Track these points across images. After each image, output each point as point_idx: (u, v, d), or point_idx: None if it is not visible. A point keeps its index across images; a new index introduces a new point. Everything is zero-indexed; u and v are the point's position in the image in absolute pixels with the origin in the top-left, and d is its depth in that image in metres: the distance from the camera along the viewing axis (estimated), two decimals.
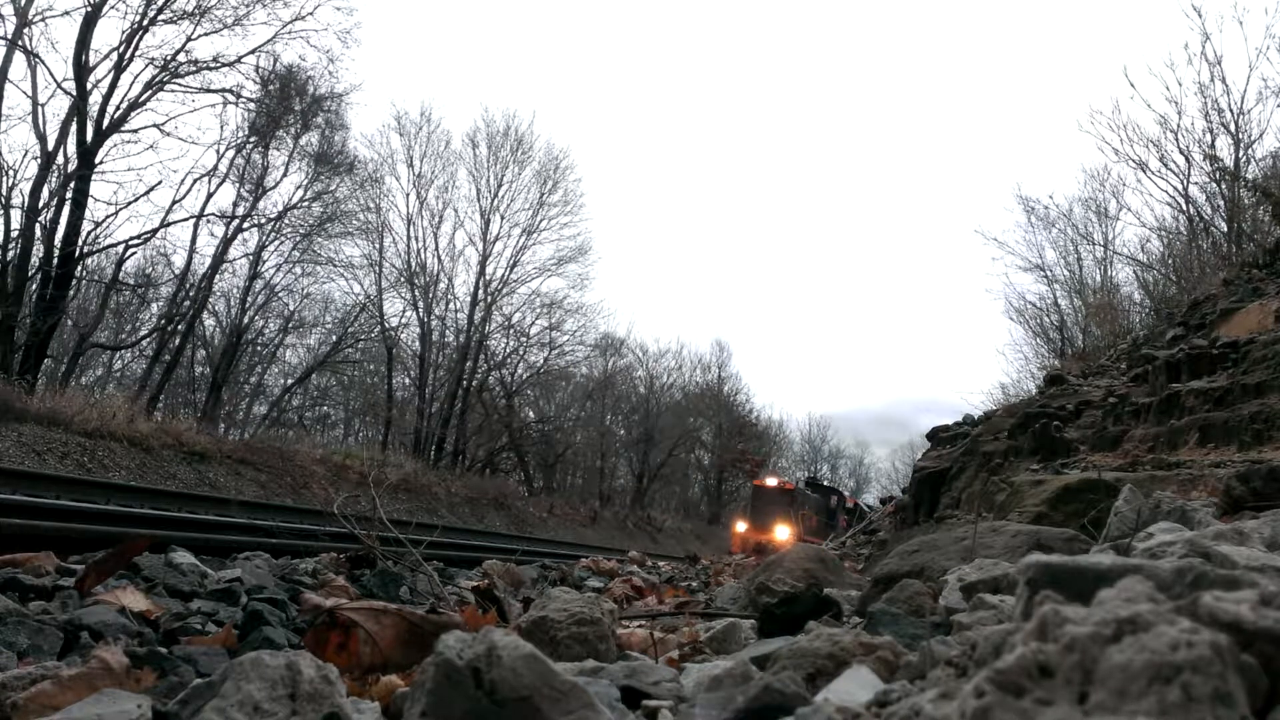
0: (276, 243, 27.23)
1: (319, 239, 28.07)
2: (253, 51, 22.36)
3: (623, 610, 3.50)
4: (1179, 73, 24.35)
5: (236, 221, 25.40)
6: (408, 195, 33.18)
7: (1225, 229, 19.53)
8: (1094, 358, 17.59)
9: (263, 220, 26.28)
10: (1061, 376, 12.86)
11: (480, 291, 33.90)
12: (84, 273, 24.11)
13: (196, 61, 21.36)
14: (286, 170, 26.44)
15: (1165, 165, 21.17)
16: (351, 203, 29.45)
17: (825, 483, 41.21)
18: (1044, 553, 1.83)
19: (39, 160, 19.37)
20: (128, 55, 20.36)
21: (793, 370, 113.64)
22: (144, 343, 27.14)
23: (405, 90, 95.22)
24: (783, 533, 27.15)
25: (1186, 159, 20.85)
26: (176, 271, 25.76)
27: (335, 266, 29.84)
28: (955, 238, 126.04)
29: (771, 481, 31.23)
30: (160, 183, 21.86)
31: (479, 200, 34.19)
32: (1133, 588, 0.78)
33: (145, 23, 20.36)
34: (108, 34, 26.30)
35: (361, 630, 1.90)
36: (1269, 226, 16.37)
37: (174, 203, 22.61)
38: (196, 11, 20.77)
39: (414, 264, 32.99)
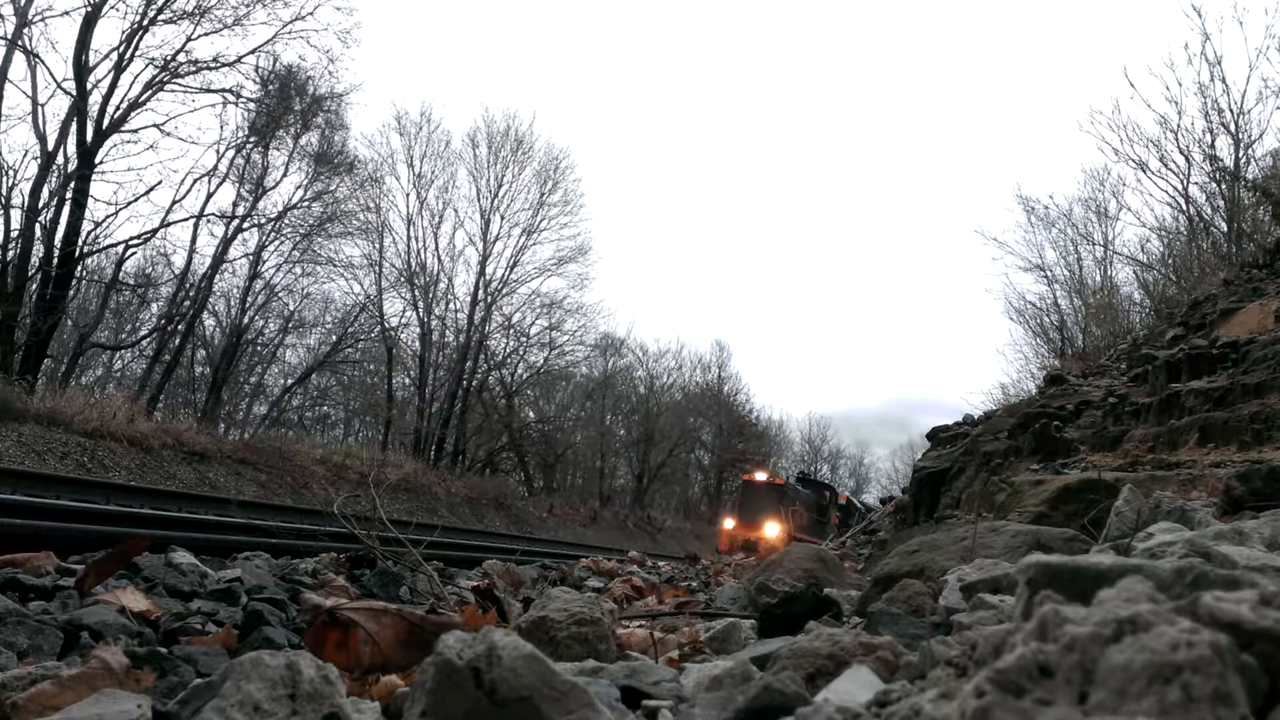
0: (276, 243, 27.27)
1: (319, 239, 28.10)
2: (253, 51, 22.39)
3: (623, 610, 3.50)
4: (1179, 73, 24.40)
5: (236, 221, 25.42)
6: (408, 195, 33.23)
7: (1225, 229, 19.54)
8: (1094, 358, 17.60)
9: (263, 220, 26.32)
10: (1061, 376, 12.86)
11: (480, 291, 33.94)
12: (84, 273, 24.12)
13: (196, 61, 21.38)
14: (286, 170, 26.48)
15: (1165, 165, 21.20)
16: (351, 203, 29.48)
17: (817, 478, 40.16)
18: (1044, 553, 1.83)
19: (39, 160, 19.38)
20: (128, 55, 20.38)
21: (793, 370, 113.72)
22: (144, 343, 27.15)
23: (405, 90, 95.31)
24: (772, 530, 26.36)
25: (1186, 159, 20.88)
26: (176, 271, 25.78)
27: (335, 266, 29.88)
28: (955, 238, 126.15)
29: (761, 476, 30.11)
30: (160, 183, 21.87)
31: (479, 200, 34.24)
32: (1133, 588, 0.78)
33: (145, 23, 20.37)
34: (108, 34, 26.33)
35: (361, 630, 1.90)
36: (1269, 226, 16.37)
37: (174, 203, 22.65)
38: (196, 11, 20.79)
39: (414, 264, 33.03)
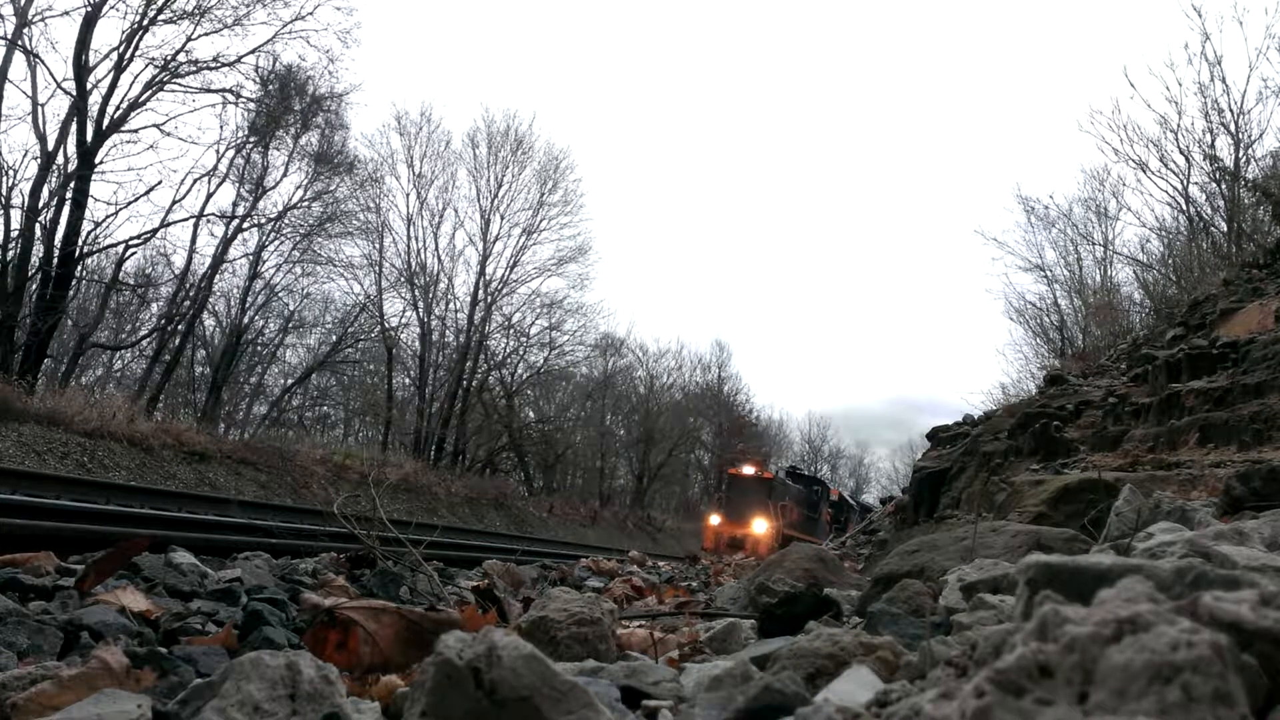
0: (276, 243, 27.26)
1: (319, 239, 28.08)
2: (253, 51, 22.38)
3: (623, 610, 3.50)
4: (1179, 73, 24.38)
5: (236, 221, 25.41)
6: (408, 195, 33.21)
7: (1225, 229, 19.54)
8: (1094, 358, 17.60)
9: (263, 220, 26.31)
10: (1061, 376, 12.86)
11: (480, 291, 33.93)
12: (84, 273, 24.11)
13: (196, 61, 21.37)
14: (286, 170, 26.47)
15: (1165, 165, 21.20)
16: (351, 203, 29.47)
17: (807, 473, 38.50)
18: (1044, 553, 1.83)
19: (39, 160, 19.37)
20: (128, 55, 20.37)
21: (793, 370, 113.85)
22: (144, 343, 27.15)
23: (405, 90, 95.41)
24: (760, 526, 25.21)
25: (1186, 159, 20.88)
26: (176, 271, 25.77)
27: (335, 266, 29.86)
28: (955, 238, 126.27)
29: (748, 470, 28.38)
30: (160, 183, 21.85)
31: (479, 200, 34.23)
32: (1133, 588, 0.78)
33: (145, 23, 20.36)
34: (108, 34, 26.31)
35: (361, 630, 1.90)
36: (1269, 226, 16.37)
37: (174, 203, 22.64)
38: (196, 11, 20.78)
39: (414, 264, 33.02)
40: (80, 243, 20.14)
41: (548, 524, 29.49)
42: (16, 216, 19.23)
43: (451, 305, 34.16)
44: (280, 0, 21.89)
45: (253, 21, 21.84)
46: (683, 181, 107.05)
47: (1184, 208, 21.43)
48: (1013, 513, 4.60)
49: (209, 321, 30.45)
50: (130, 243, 22.39)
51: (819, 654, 1.38)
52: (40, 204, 19.28)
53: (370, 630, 1.90)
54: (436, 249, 33.57)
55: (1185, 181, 21.07)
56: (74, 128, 19.65)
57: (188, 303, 25.46)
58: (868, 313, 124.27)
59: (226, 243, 25.35)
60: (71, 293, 22.18)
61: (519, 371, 37.20)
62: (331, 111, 26.42)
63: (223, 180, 24.45)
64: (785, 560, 3.68)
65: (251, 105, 23.86)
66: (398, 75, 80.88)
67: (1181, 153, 20.90)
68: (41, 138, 19.43)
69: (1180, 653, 0.67)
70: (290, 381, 34.30)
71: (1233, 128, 19.83)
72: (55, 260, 19.56)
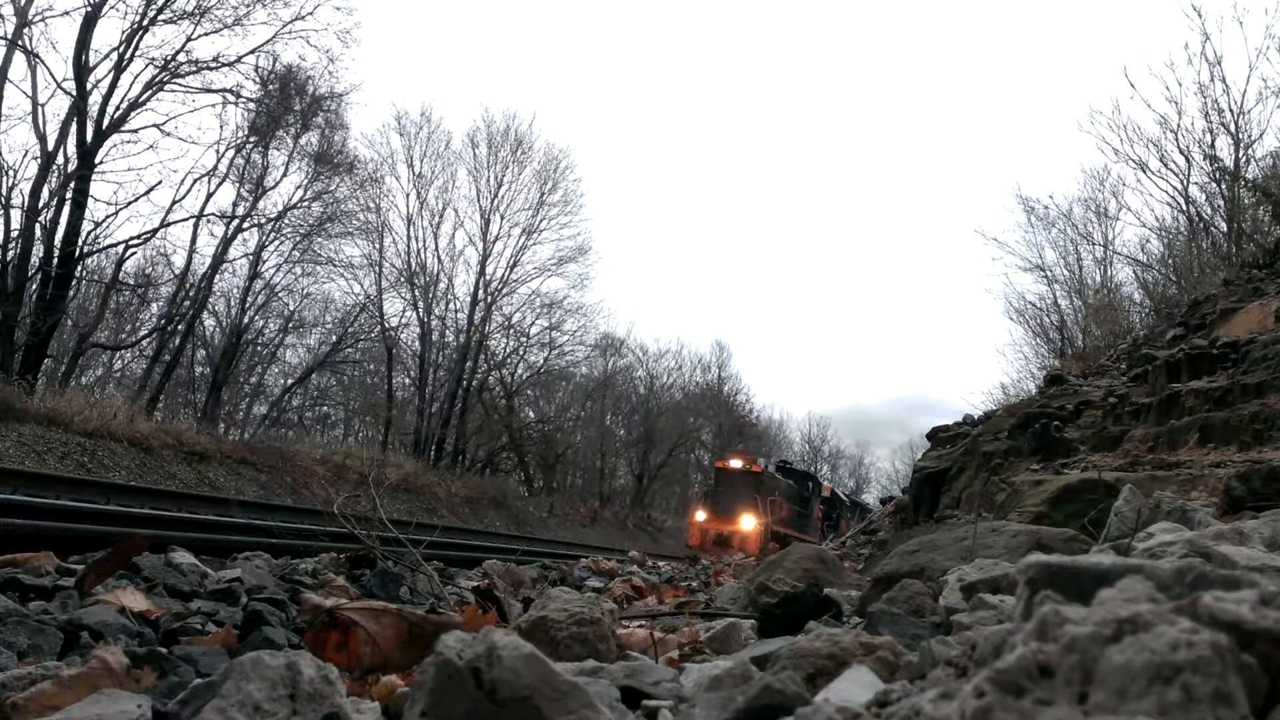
0: (276, 243, 27.27)
1: (319, 239, 28.09)
2: (253, 51, 22.37)
3: (623, 610, 3.50)
4: (1179, 73, 24.28)
5: (236, 221, 25.41)
6: (408, 195, 33.21)
7: (1225, 229, 19.54)
8: (1094, 358, 17.60)
9: (263, 220, 26.31)
10: (1061, 376, 12.86)
11: (480, 291, 33.93)
12: (84, 273, 24.10)
13: (196, 61, 21.36)
14: (286, 170, 26.47)
15: (1165, 165, 21.21)
16: (351, 203, 29.48)
17: (799, 468, 36.09)
18: (1044, 553, 1.83)
19: (39, 160, 19.36)
20: (128, 55, 20.37)
21: (793, 370, 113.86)
22: (144, 343, 27.15)
23: (405, 90, 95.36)
24: (748, 522, 23.91)
25: (1186, 159, 20.89)
26: (176, 271, 25.77)
27: (335, 266, 29.87)
28: (955, 238, 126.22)
29: (736, 463, 26.75)
30: (160, 183, 21.83)
31: (479, 200, 34.22)
32: (1133, 588, 0.78)
33: (145, 23, 20.36)
34: (108, 34, 26.26)
35: (361, 630, 1.90)
36: (1269, 226, 16.37)
37: (174, 203, 22.62)
38: (196, 11, 20.77)
39: (414, 264, 33.02)
40: (80, 243, 20.13)
41: (548, 524, 29.49)
42: (16, 216, 19.24)
43: (451, 305, 34.21)
44: (280, 0, 21.91)
45: (253, 21, 21.86)
46: (682, 181, 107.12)
47: (1184, 208, 21.45)
48: (1013, 513, 4.60)
49: (209, 321, 30.48)
50: (130, 243, 22.41)
51: (819, 654, 1.38)
52: (40, 204, 19.27)
53: (371, 631, 1.90)
54: (436, 249, 33.61)
55: (1185, 181, 21.09)
56: (74, 128, 19.65)
57: (188, 303, 25.46)
58: (868, 313, 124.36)
59: (226, 243, 25.37)
60: (71, 293, 22.19)
61: (519, 371, 37.23)
62: (331, 111, 26.45)
63: (223, 180, 24.48)
64: (785, 560, 3.69)
65: (251, 105, 23.87)
66: (398, 75, 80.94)
67: (1181, 153, 20.92)
68: (41, 138, 19.44)
69: (1180, 653, 0.67)
70: (290, 381, 34.31)
71: (1233, 128, 19.85)
72: (55, 260, 19.55)
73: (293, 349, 35.54)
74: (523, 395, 39.19)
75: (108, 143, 20.21)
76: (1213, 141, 20.24)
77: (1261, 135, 19.77)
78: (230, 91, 22.45)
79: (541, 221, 34.61)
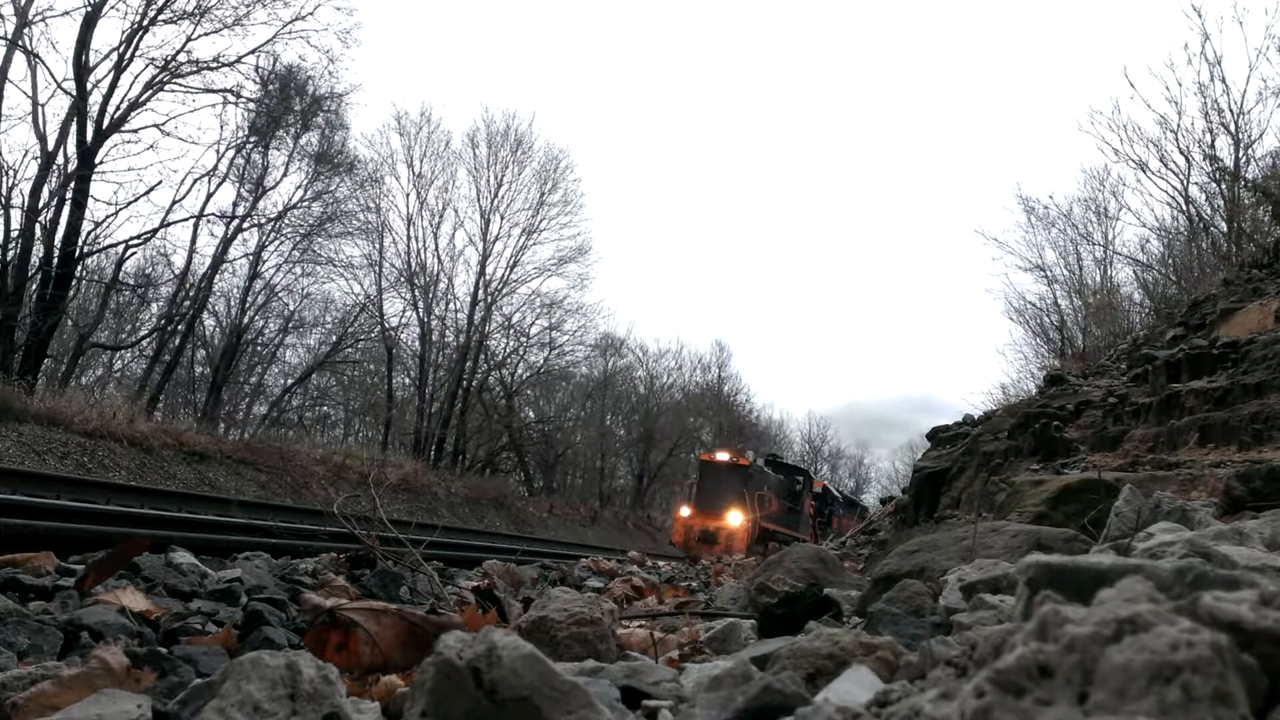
0: (276, 243, 27.29)
1: (319, 239, 28.12)
2: (253, 51, 22.38)
3: (623, 610, 3.50)
4: (1179, 73, 24.31)
5: (236, 221, 25.43)
6: (408, 195, 33.22)
7: (1225, 229, 19.54)
8: (1094, 358, 17.60)
9: (263, 220, 26.33)
10: (1061, 376, 12.85)
11: (480, 291, 33.94)
12: (84, 273, 24.10)
13: (197, 61, 21.37)
14: (286, 170, 26.50)
15: (1165, 165, 21.21)
16: (351, 203, 29.51)
17: (790, 462, 34.85)
18: (1044, 553, 1.84)
19: (39, 160, 19.37)
20: (128, 55, 20.37)
21: (793, 370, 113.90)
22: (144, 343, 27.15)
23: (405, 90, 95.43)
24: (735, 518, 22.76)
25: (1186, 159, 20.89)
26: (176, 271, 25.79)
27: (335, 266, 29.90)
28: (955, 238, 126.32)
29: (722, 456, 25.38)
30: (160, 183, 21.86)
31: (479, 200, 34.24)
32: (1133, 588, 0.78)
33: (145, 23, 20.37)
34: (108, 34, 26.30)
35: (361, 630, 1.90)
36: (1269, 226, 16.37)
37: (174, 203, 22.65)
38: (196, 11, 20.78)
39: (414, 264, 33.03)
40: (80, 243, 20.14)
41: (548, 524, 29.48)
42: (16, 216, 19.25)
43: (451, 305, 34.22)
44: (280, 0, 21.91)
45: (253, 21, 21.87)
46: (683, 181, 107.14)
47: (1184, 208, 21.45)
48: (1013, 513, 4.60)
49: (209, 321, 30.50)
50: (130, 243, 22.42)
51: (819, 654, 1.38)
52: (40, 204, 19.28)
53: (371, 631, 1.90)
54: (436, 249, 33.62)
55: (1185, 181, 21.09)
56: (74, 128, 19.65)
57: (188, 303, 25.46)
58: (868, 313, 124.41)
59: (226, 243, 25.38)
60: (71, 293, 22.18)
61: (519, 371, 37.24)
62: (331, 111, 26.47)
63: (223, 180, 24.50)
64: (785, 560, 3.69)
65: (251, 105, 23.89)
66: (398, 75, 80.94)
67: (1181, 153, 20.92)
68: (41, 138, 19.44)
69: (1180, 653, 0.67)
70: (290, 381, 34.30)
71: (1233, 128, 19.85)
72: (55, 260, 19.55)
73: (293, 349, 35.58)
74: (523, 395, 39.20)
75: (108, 143, 20.23)
76: (1213, 141, 20.26)
77: (1261, 135, 19.80)
78: (230, 91, 22.48)
79: (541, 221, 34.65)
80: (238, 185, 25.50)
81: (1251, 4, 27.73)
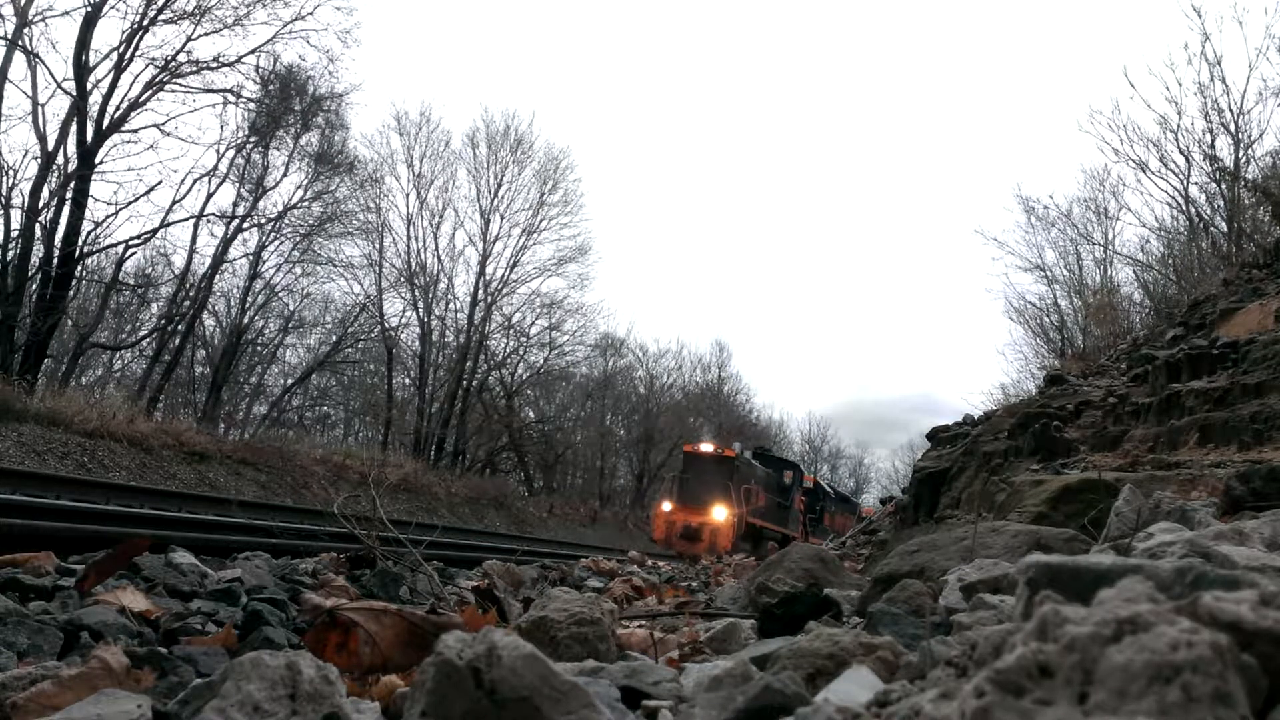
0: (276, 243, 27.31)
1: (319, 239, 28.14)
2: (253, 51, 22.40)
3: (623, 610, 3.50)
4: (1179, 73, 24.27)
5: (236, 221, 25.43)
6: (408, 195, 33.24)
7: (1225, 229, 19.54)
8: (1094, 358, 17.59)
9: (263, 220, 26.35)
10: (1061, 376, 12.85)
11: (480, 291, 33.96)
12: (84, 273, 24.11)
13: (197, 61, 21.38)
14: (286, 170, 26.52)
15: (1165, 165, 21.20)
16: (351, 203, 29.52)
17: (779, 455, 33.62)
18: (1044, 553, 1.83)
19: (39, 160, 19.37)
20: (128, 55, 20.38)
21: (793, 370, 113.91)
22: (144, 343, 27.17)
23: (405, 90, 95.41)
24: (720, 513, 21.49)
25: (1186, 159, 20.88)
26: (176, 271, 25.81)
27: (335, 266, 29.91)
28: (955, 238, 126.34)
29: (706, 447, 24.11)
30: (160, 183, 21.89)
31: (479, 200, 34.26)
32: (1133, 588, 0.78)
33: (145, 23, 20.37)
34: (108, 34, 26.35)
35: (361, 630, 1.90)
36: (1269, 226, 16.38)
37: (174, 203, 22.67)
38: (196, 11, 20.79)
39: (414, 264, 33.05)
40: (80, 243, 20.15)
41: (548, 524, 29.48)
42: (16, 216, 19.27)
43: (451, 305, 34.24)
44: (280, 0, 21.92)
45: (253, 21, 21.89)
46: (682, 181, 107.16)
47: (1184, 208, 21.44)
48: (1013, 513, 4.59)
49: (209, 321, 30.50)
50: (130, 243, 22.44)
51: (819, 654, 1.38)
52: (40, 204, 19.28)
53: (371, 631, 1.90)
54: (436, 249, 33.64)
55: (1185, 181, 21.09)
56: (74, 128, 19.66)
57: (188, 303, 25.47)
58: (868, 313, 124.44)
59: (226, 243, 25.39)
60: (71, 293, 22.19)
61: (519, 371, 37.26)
62: (331, 111, 26.48)
63: (223, 180, 24.52)
64: (785, 560, 3.69)
65: (252, 105, 23.90)
66: (398, 75, 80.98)
67: (1181, 153, 20.91)
68: (41, 138, 19.45)
69: (1180, 653, 0.67)
70: (290, 381, 34.32)
71: (1233, 128, 19.84)
72: (55, 260, 19.56)
73: (293, 349, 35.62)
74: (523, 395, 39.21)
75: (108, 143, 20.24)
76: (1213, 141, 20.26)
77: (1261, 135, 19.78)
78: (230, 91, 22.49)
79: (541, 221, 34.67)
80: (238, 185, 25.55)
81: (1251, 4, 27.72)
